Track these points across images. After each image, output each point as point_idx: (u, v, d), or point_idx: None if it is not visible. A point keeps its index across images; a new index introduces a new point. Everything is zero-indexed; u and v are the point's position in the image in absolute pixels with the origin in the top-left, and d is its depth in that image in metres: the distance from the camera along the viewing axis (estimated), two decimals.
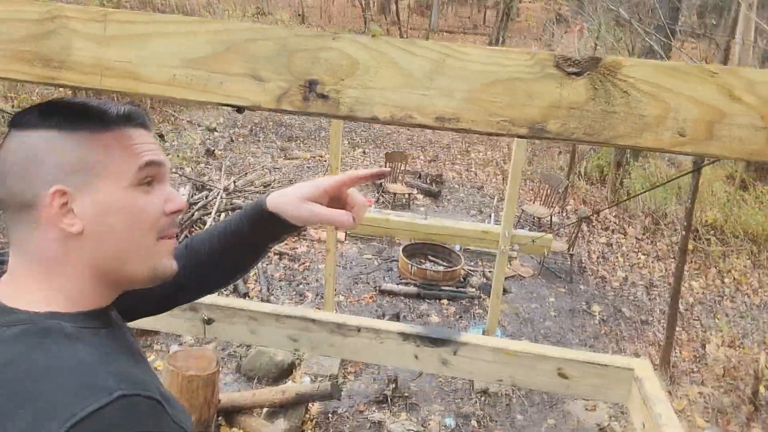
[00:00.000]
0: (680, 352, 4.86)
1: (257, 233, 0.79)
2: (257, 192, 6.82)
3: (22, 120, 0.58)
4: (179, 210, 0.64)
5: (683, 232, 3.99)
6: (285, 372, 3.81)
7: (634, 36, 7.80)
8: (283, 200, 0.76)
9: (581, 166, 9.02)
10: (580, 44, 8.54)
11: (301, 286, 5.05)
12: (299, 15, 17.34)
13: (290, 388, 3.38)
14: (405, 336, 1.08)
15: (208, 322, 0.95)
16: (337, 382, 3.63)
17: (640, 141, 0.52)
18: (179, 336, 3.97)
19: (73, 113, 0.58)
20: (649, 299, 5.76)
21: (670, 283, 6.11)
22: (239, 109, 0.55)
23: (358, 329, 1.13)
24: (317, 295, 4.90)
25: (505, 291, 5.16)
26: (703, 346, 5.02)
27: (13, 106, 7.18)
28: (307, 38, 0.53)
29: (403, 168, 7.29)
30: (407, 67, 0.53)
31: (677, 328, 4.72)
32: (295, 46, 0.53)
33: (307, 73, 0.53)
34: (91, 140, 0.58)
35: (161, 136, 8.06)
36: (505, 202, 3.68)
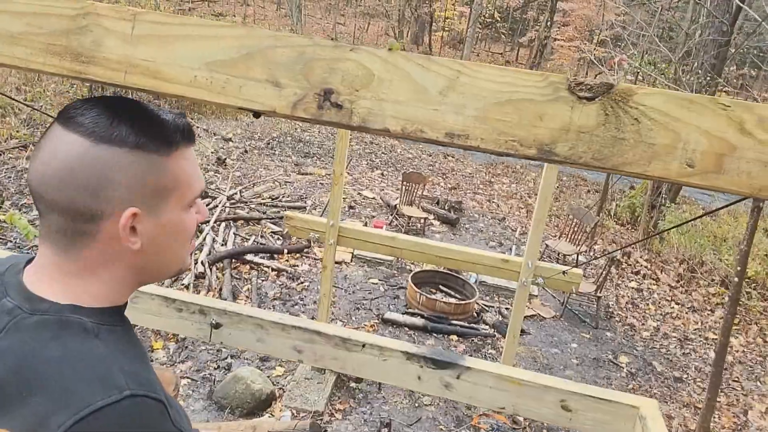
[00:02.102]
0: (719, 417, 4.61)
1: None
2: (263, 204, 6.90)
3: (94, 131, 0.60)
4: (207, 221, 0.71)
5: (736, 279, 3.66)
6: (262, 403, 3.53)
7: (677, 75, 7.85)
8: None
9: (610, 205, 8.98)
10: (618, 77, 8.60)
11: (296, 306, 4.97)
12: (331, 39, 18.00)
13: (263, 423, 3.11)
14: (409, 356, 1.12)
15: (216, 326, 1.00)
16: (320, 421, 3.45)
17: (648, 169, 0.56)
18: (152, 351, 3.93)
19: (142, 130, 0.62)
20: (683, 354, 5.58)
21: (706, 338, 5.92)
22: (256, 114, 0.59)
23: (363, 345, 1.16)
24: (312, 318, 4.88)
25: (522, 332, 5.05)
26: (745, 413, 4.77)
27: (25, 99, 7.47)
28: (326, 48, 0.58)
29: (420, 192, 7.28)
30: (421, 82, 0.58)
31: None
32: (313, 55, 0.58)
33: (324, 81, 0.58)
34: (162, 164, 0.63)
35: None
36: (531, 227, 3.40)
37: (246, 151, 9.04)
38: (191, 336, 1.22)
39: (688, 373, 5.24)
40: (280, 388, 3.76)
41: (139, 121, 0.62)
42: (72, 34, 0.57)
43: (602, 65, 9.79)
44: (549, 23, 15.27)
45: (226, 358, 4.05)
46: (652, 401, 1.10)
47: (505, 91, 0.58)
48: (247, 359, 4.07)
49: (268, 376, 3.83)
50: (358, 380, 3.94)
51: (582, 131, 0.56)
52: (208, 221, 5.87)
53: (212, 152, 8.53)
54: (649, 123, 0.55)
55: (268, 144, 9.71)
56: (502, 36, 22.77)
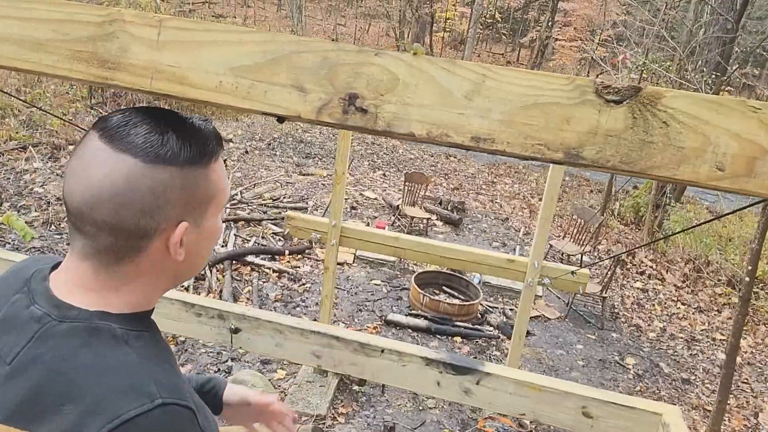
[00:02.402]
0: (729, 420, 4.56)
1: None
2: (264, 204, 6.90)
3: (137, 143, 0.59)
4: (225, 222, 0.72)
5: (747, 278, 3.58)
6: None
7: (681, 73, 7.85)
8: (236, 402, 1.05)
9: (614, 205, 8.98)
10: (622, 75, 8.60)
11: (298, 308, 4.96)
12: (333, 40, 18.15)
13: (263, 429, 3.30)
14: (428, 361, 1.12)
15: (235, 331, 1.00)
16: (322, 425, 3.45)
17: (677, 173, 0.56)
18: None
19: (188, 145, 0.63)
20: (691, 355, 5.55)
21: (714, 339, 5.90)
22: (280, 119, 0.60)
23: (382, 350, 1.17)
24: (314, 320, 4.86)
25: (527, 333, 5.05)
26: (756, 415, 4.74)
27: (25, 100, 7.48)
28: (350, 53, 0.58)
29: (423, 193, 7.28)
30: (446, 86, 0.58)
31: None
32: (337, 59, 0.58)
33: (349, 86, 0.58)
34: (206, 175, 0.65)
35: None
36: (536, 227, 3.34)
37: (247, 152, 9.06)
38: (210, 341, 1.23)
39: (696, 375, 5.21)
40: (281, 392, 3.75)
41: (183, 136, 0.63)
42: (98, 40, 0.58)
43: (605, 64, 9.79)
44: (550, 23, 15.30)
45: (226, 361, 4.02)
46: (675, 408, 1.10)
47: (531, 94, 0.58)
48: (248, 362, 4.04)
49: (270, 380, 3.81)
50: (361, 383, 3.92)
51: (609, 135, 0.57)
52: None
53: None
54: (678, 126, 0.56)
55: (269, 145, 9.73)
56: (503, 37, 22.82)
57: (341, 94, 0.59)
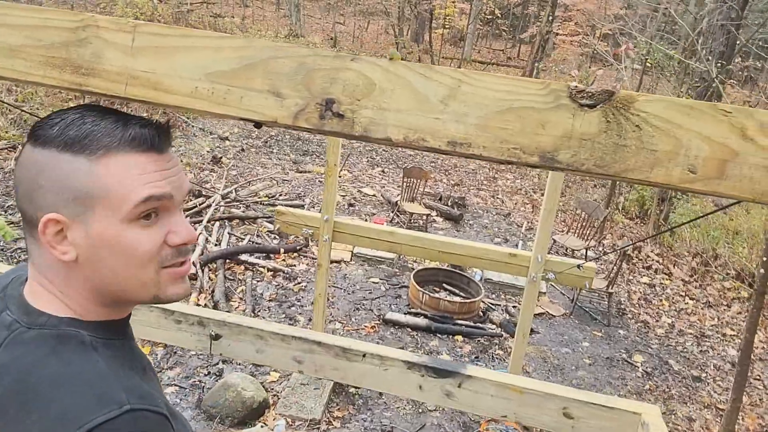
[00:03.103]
0: (742, 419, 4.46)
1: None
2: (259, 202, 6.91)
3: (35, 131, 0.61)
4: (185, 242, 0.65)
5: (761, 270, 3.48)
6: (254, 412, 3.39)
7: (686, 64, 7.83)
8: None
9: (618, 198, 8.98)
10: (625, 65, 8.56)
11: (293, 308, 4.88)
12: (331, 39, 18.08)
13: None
14: (410, 365, 1.14)
15: (216, 338, 1.02)
16: (316, 430, 3.34)
17: (650, 176, 0.57)
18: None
19: (79, 133, 0.59)
20: (701, 352, 5.46)
21: (724, 334, 5.84)
22: (257, 124, 0.61)
23: (363, 354, 1.18)
24: (310, 319, 4.63)
25: (531, 331, 5.01)
26: None
27: (16, 99, 7.49)
28: (327, 58, 0.60)
29: (422, 189, 7.25)
30: (423, 91, 0.60)
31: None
32: (314, 65, 0.60)
33: (325, 92, 0.60)
34: (91, 168, 0.59)
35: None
36: (540, 219, 3.21)
37: (243, 150, 9.07)
38: (190, 348, 1.24)
39: (707, 372, 5.12)
40: (274, 395, 3.64)
41: (81, 122, 0.59)
42: (72, 46, 0.59)
43: (608, 56, 9.77)
44: (551, 18, 15.29)
45: (217, 363, 3.94)
46: (654, 407, 1.12)
47: (507, 99, 0.59)
48: (239, 365, 4.00)
49: (262, 383, 3.75)
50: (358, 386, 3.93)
51: (584, 138, 0.58)
52: (201, 221, 5.87)
53: (208, 151, 8.56)
54: (651, 129, 0.57)
55: (266, 143, 9.73)
56: (503, 33, 22.80)
57: (318, 99, 0.60)
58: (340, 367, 1.18)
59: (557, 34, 16.00)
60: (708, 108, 0.56)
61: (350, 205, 7.56)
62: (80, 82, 0.60)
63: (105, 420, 0.54)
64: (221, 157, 8.35)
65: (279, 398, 3.58)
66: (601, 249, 7.40)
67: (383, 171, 9.45)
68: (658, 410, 1.09)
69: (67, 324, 0.62)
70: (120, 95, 0.59)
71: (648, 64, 8.19)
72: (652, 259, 7.39)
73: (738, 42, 7.59)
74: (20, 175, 0.62)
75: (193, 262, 5.03)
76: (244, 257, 5.42)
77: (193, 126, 9.49)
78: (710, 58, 7.61)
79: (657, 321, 5.92)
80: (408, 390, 1.15)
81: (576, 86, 0.58)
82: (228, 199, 6.77)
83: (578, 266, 3.15)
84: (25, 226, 0.64)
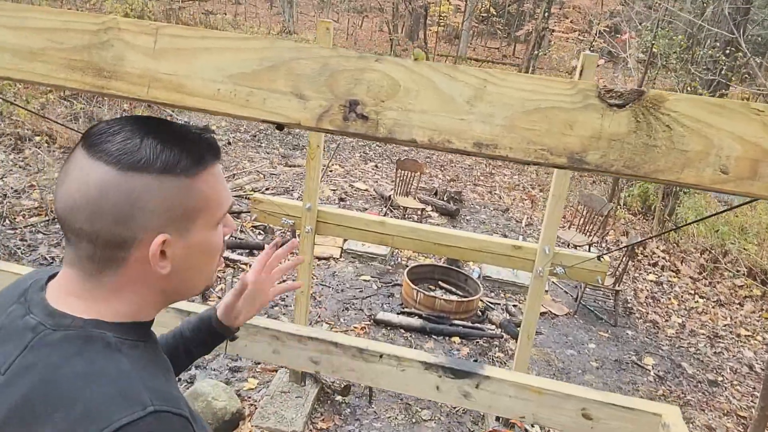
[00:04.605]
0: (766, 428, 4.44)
1: (196, 342, 1.06)
2: (243, 197, 6.85)
3: (120, 159, 0.61)
4: (232, 232, 0.72)
5: None
6: (227, 424, 3.15)
7: (693, 52, 7.84)
8: (232, 309, 1.06)
9: (619, 194, 9.01)
10: (628, 54, 8.56)
11: (276, 308, 4.70)
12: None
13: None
14: (427, 365, 1.15)
15: (232, 338, 1.03)
16: None
17: (681, 177, 0.58)
18: None
19: (168, 153, 0.62)
20: (715, 353, 5.28)
21: (738, 335, 5.68)
22: (279, 126, 0.61)
23: (381, 355, 1.19)
24: (293, 320, 4.68)
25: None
26: None
27: (15, 93, 7.44)
28: (351, 59, 0.60)
29: (416, 183, 7.08)
30: (448, 92, 0.60)
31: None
32: (337, 66, 0.60)
33: (349, 93, 0.60)
34: (190, 186, 0.65)
35: None
36: (547, 206, 2.99)
37: (229, 143, 9.03)
38: None
39: (723, 376, 4.94)
40: (251, 404, 3.41)
41: (164, 143, 0.63)
42: (94, 49, 0.59)
43: (606, 51, 9.78)
44: (546, 14, 15.35)
45: (189, 369, 3.67)
46: (675, 408, 1.13)
47: (533, 99, 0.60)
48: (215, 370, 3.76)
49: (238, 390, 3.53)
50: (345, 393, 3.60)
51: (613, 139, 0.58)
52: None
53: None
54: (681, 129, 0.58)
55: (255, 137, 9.70)
56: (499, 31, 22.90)
57: (341, 100, 0.60)
58: (356, 368, 1.19)
59: (553, 31, 16.06)
60: (739, 107, 0.57)
61: (341, 199, 7.53)
62: (102, 85, 0.60)
63: (129, 421, 0.55)
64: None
65: (256, 407, 3.35)
66: (604, 245, 7.37)
67: (377, 166, 9.44)
68: (679, 411, 1.10)
69: (93, 326, 0.64)
70: (143, 98, 0.60)
71: (654, 50, 8.12)
72: (658, 256, 7.33)
73: (744, 32, 7.62)
74: (105, 201, 0.61)
75: None
76: (225, 253, 5.32)
77: (177, 119, 9.47)
78: (717, 45, 7.61)
79: (666, 321, 5.76)
80: (425, 391, 1.17)
81: (605, 86, 0.58)
82: None
83: (598, 257, 2.91)
84: (90, 244, 0.63)
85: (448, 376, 1.13)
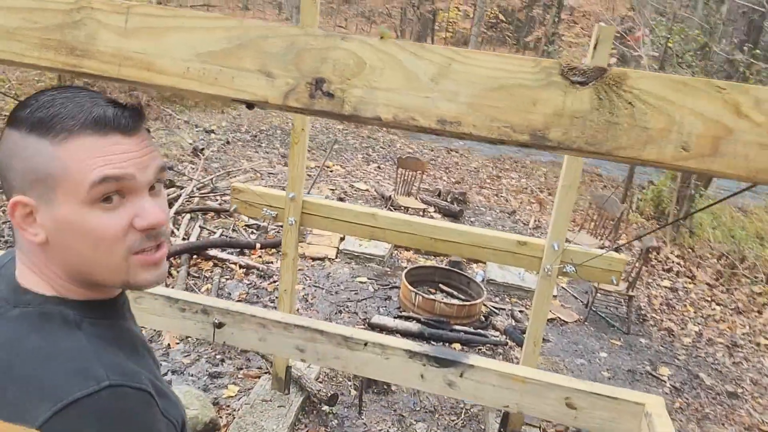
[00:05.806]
0: None
1: None
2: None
3: (12, 113, 0.65)
4: (152, 226, 0.66)
5: None
6: None
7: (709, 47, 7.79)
8: None
9: (632, 198, 8.95)
10: (643, 51, 8.51)
11: (264, 309, 4.66)
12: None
13: None
14: (412, 354, 1.16)
15: (219, 326, 1.05)
16: None
17: (642, 154, 0.59)
18: None
19: (46, 115, 0.62)
20: (734, 364, 5.13)
21: (758, 344, 5.55)
22: (249, 105, 0.63)
23: (365, 343, 1.21)
24: None
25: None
26: None
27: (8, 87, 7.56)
28: (317, 38, 0.62)
29: (419, 184, 7.00)
30: (413, 70, 0.62)
31: None
32: (304, 44, 0.62)
33: (315, 71, 0.62)
34: (53, 150, 0.62)
35: (146, 131, 8.53)
36: (557, 198, 2.77)
37: (228, 143, 9.10)
38: (194, 336, 1.27)
39: (743, 387, 4.79)
40: (229, 414, 3.21)
41: (48, 105, 0.62)
42: (66, 28, 0.62)
43: (620, 48, 9.75)
44: (556, 19, 15.37)
45: (165, 374, 3.50)
46: (658, 398, 1.14)
47: (498, 77, 0.61)
48: (192, 375, 3.60)
49: (217, 398, 3.37)
50: (332, 402, 3.39)
51: (575, 116, 0.60)
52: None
53: (190, 143, 8.62)
54: (643, 107, 0.59)
55: (255, 137, 9.77)
56: (507, 39, 22.95)
57: (308, 78, 0.62)
58: (341, 356, 1.20)
59: (562, 36, 16.08)
60: (702, 84, 0.58)
61: (340, 199, 7.55)
62: (75, 64, 0.62)
63: (83, 395, 0.56)
64: (203, 149, 8.36)
65: (234, 417, 3.13)
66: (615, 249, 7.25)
67: (379, 167, 9.44)
68: (662, 401, 1.10)
69: (53, 303, 0.65)
70: (114, 76, 0.62)
71: (669, 45, 8.03)
72: (673, 261, 7.23)
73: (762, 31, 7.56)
74: None
75: None
76: (213, 252, 5.17)
77: (178, 119, 9.56)
78: (734, 41, 7.54)
79: (682, 329, 5.63)
80: (410, 379, 1.18)
81: (568, 63, 0.60)
82: (204, 191, 6.69)
83: (616, 249, 2.74)
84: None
85: (432, 364, 1.14)
